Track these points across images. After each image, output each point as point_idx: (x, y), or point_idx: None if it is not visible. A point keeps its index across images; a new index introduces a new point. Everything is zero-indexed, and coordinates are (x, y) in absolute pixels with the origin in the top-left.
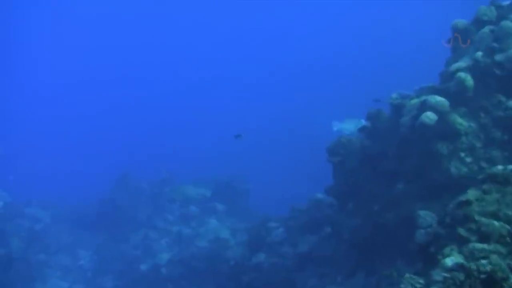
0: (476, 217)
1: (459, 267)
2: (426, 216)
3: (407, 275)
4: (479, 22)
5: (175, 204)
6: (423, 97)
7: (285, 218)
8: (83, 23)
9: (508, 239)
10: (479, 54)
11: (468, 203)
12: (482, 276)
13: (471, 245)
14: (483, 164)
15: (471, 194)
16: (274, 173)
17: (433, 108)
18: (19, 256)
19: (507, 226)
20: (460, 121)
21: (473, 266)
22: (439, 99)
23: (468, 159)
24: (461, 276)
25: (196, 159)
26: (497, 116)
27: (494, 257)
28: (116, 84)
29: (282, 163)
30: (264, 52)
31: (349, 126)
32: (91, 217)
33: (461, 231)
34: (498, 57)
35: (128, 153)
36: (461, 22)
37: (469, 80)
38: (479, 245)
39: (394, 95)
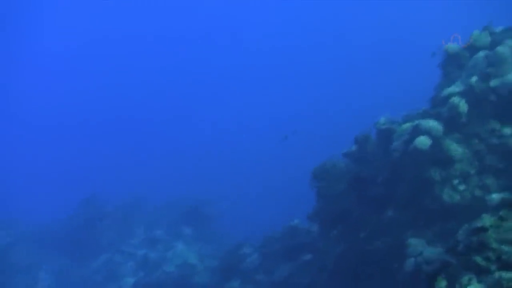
0: (494, 245)
1: None
2: (417, 245)
3: None
4: (472, 47)
5: (141, 228)
6: (416, 122)
7: (260, 244)
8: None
9: None
10: (474, 79)
11: (483, 229)
12: None
13: (496, 274)
14: (477, 192)
15: (487, 220)
16: (245, 196)
17: (427, 133)
18: None
19: None
20: (455, 147)
21: None
22: (432, 123)
23: (462, 187)
24: None
25: (167, 180)
26: (491, 143)
27: None
28: (88, 98)
29: (255, 187)
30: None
31: None
32: (54, 239)
33: (478, 259)
34: (494, 82)
35: (97, 173)
36: (453, 46)
37: (463, 105)
38: (507, 274)
39: (382, 120)
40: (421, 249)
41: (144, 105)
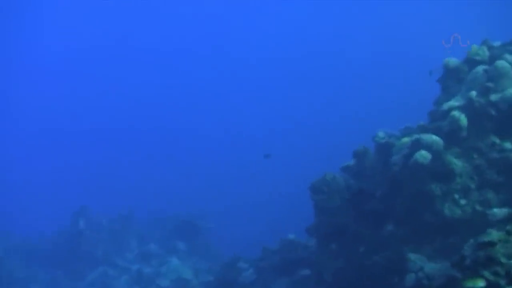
0: (503, 260)
1: None
2: (417, 260)
3: None
4: (471, 62)
5: (134, 242)
6: (415, 136)
7: (256, 259)
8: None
9: None
10: (473, 93)
11: (491, 244)
12: None
13: None
14: (478, 207)
15: (494, 235)
16: (239, 210)
17: (428, 147)
18: None
19: None
20: (455, 161)
21: None
22: (434, 138)
23: (463, 201)
24: None
25: (159, 194)
26: (492, 157)
27: None
28: (86, 101)
29: (248, 201)
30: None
31: None
32: (46, 252)
33: (486, 274)
34: (493, 97)
35: (91, 182)
36: (453, 61)
37: (463, 119)
38: None
39: (380, 134)
40: (422, 264)
41: (140, 113)
